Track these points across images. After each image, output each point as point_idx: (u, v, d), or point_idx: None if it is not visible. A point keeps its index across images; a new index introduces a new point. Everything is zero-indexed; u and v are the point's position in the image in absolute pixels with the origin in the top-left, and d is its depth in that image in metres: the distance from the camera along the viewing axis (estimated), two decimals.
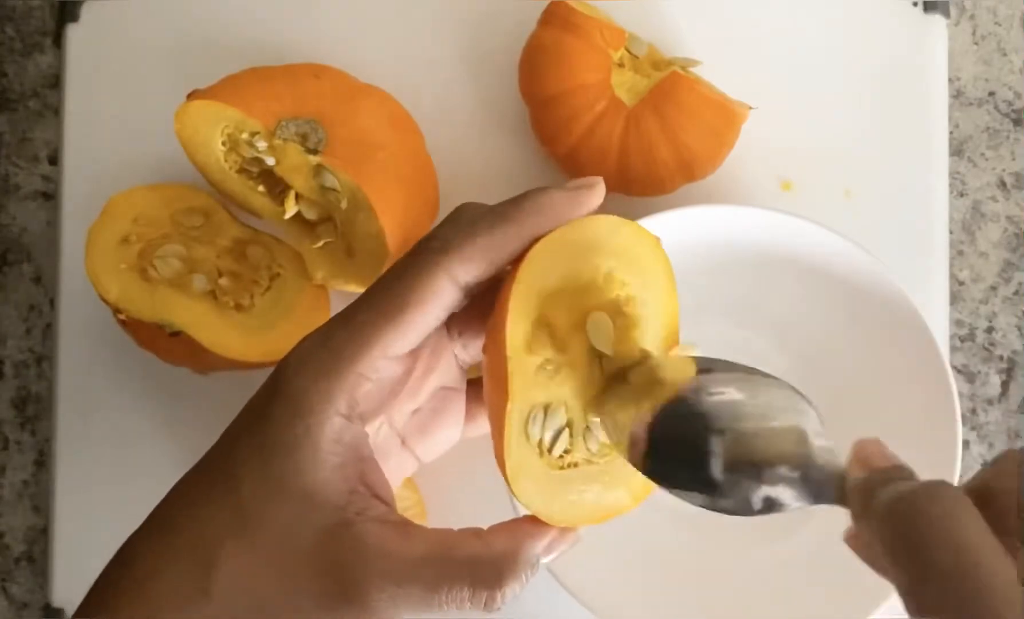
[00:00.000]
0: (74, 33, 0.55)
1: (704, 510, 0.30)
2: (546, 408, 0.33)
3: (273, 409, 0.33)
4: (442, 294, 0.33)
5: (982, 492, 0.27)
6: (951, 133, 0.56)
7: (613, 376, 0.34)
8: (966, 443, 0.55)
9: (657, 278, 0.35)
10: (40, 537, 0.55)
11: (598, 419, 0.34)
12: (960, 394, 0.53)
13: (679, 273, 0.51)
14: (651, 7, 0.54)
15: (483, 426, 0.39)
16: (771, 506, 0.29)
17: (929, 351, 0.47)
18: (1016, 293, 0.56)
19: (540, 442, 0.33)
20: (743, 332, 0.52)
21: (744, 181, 0.54)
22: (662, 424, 0.31)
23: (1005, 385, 0.55)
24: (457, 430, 0.39)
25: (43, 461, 0.56)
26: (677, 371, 0.33)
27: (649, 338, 0.34)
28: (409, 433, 0.38)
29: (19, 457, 0.56)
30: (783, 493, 0.29)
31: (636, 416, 0.31)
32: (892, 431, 0.49)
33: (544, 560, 0.34)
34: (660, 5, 0.54)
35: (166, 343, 0.49)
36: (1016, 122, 0.56)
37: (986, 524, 0.26)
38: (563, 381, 0.33)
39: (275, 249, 0.51)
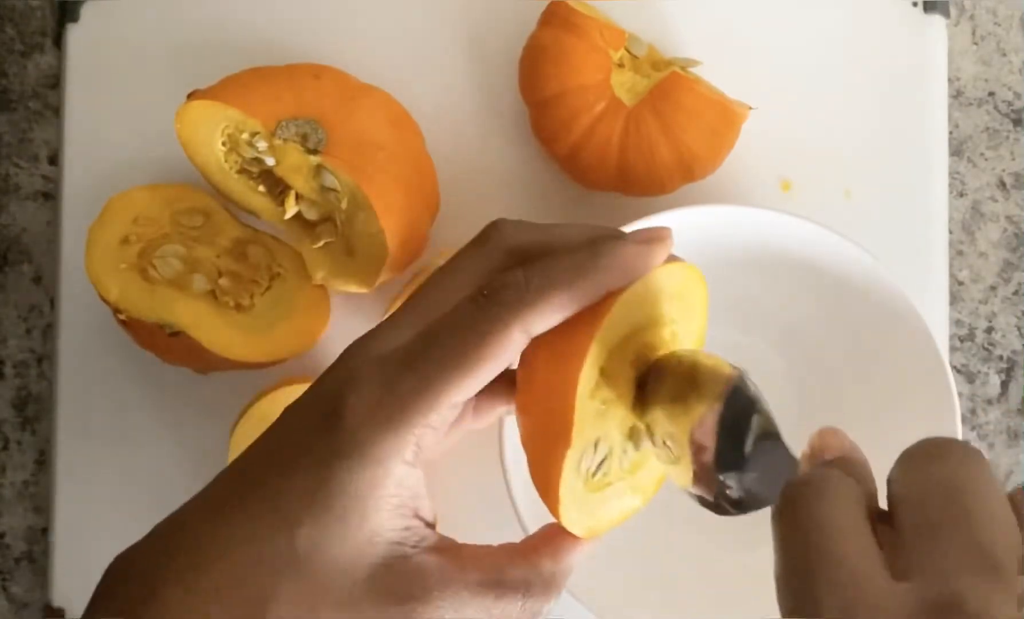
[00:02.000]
0: (74, 33, 0.55)
1: (712, 511, 0.32)
2: (596, 443, 0.34)
3: (333, 454, 0.32)
4: (516, 346, 0.33)
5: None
6: (951, 133, 0.56)
7: (646, 382, 0.35)
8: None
9: (699, 316, 0.37)
10: (40, 537, 0.55)
11: (647, 436, 0.35)
12: (960, 394, 0.53)
13: None
14: (651, 7, 0.54)
15: (488, 419, 0.39)
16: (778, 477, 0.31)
17: (929, 351, 0.47)
18: (1016, 293, 0.56)
19: (586, 472, 0.34)
20: (743, 332, 0.52)
21: (744, 181, 0.54)
22: (728, 416, 0.32)
23: (1005, 385, 0.55)
24: (465, 427, 0.39)
25: (43, 461, 0.56)
26: (714, 362, 0.34)
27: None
28: None
29: (19, 457, 0.56)
30: (791, 459, 0.31)
31: (695, 419, 0.32)
32: (892, 431, 0.49)
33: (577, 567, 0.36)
34: (660, 5, 0.54)
35: (166, 343, 0.49)
36: (1016, 122, 0.56)
37: (858, 508, 0.27)
38: (611, 414, 0.34)
39: (275, 249, 0.51)
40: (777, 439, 0.31)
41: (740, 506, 0.32)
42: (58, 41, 0.56)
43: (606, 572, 0.49)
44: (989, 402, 0.55)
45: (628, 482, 0.36)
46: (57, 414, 0.54)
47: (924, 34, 0.54)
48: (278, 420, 0.35)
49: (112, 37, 0.55)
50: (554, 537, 0.36)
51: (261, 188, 0.50)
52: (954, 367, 0.55)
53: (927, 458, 0.27)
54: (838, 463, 0.29)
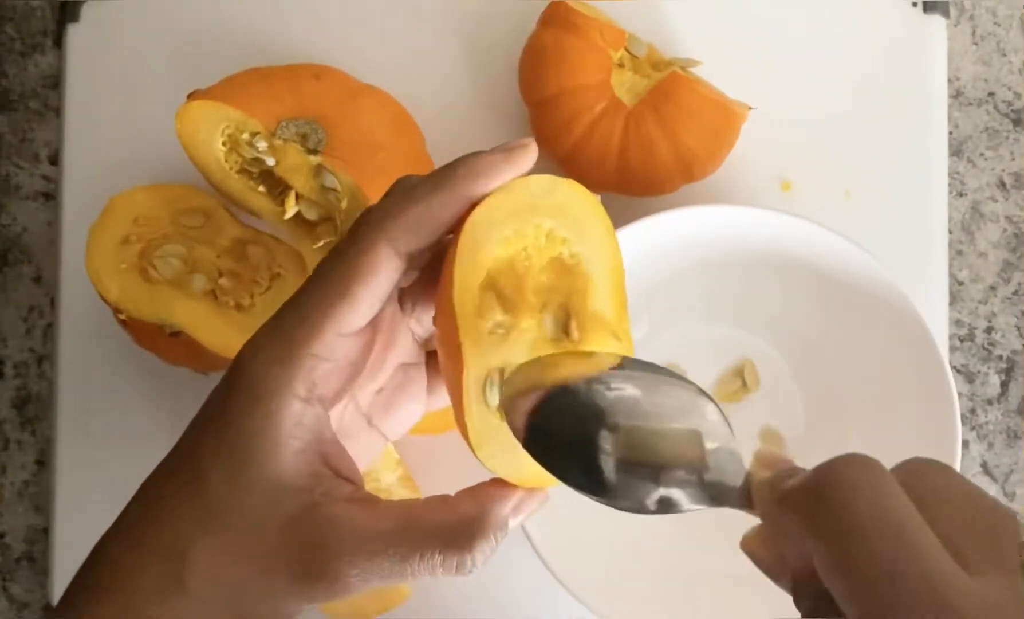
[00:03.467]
0: (74, 33, 0.55)
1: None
2: (502, 371, 0.33)
3: (231, 400, 0.33)
4: (385, 265, 0.34)
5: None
6: (951, 133, 0.56)
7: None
8: (966, 443, 0.55)
9: (598, 233, 0.35)
10: (40, 537, 0.55)
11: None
12: (960, 394, 0.53)
13: (679, 273, 0.51)
14: (651, 7, 0.54)
15: (445, 398, 0.39)
16: (667, 507, 0.30)
17: (928, 351, 0.47)
18: (1015, 293, 0.56)
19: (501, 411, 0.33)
20: (743, 332, 0.52)
21: (744, 181, 0.54)
22: (543, 412, 0.31)
23: (1004, 385, 0.55)
24: (421, 404, 0.39)
25: (43, 461, 0.56)
26: (580, 361, 0.33)
27: (600, 295, 0.34)
28: (374, 412, 0.38)
29: (19, 457, 0.56)
30: (678, 495, 0.30)
31: (522, 399, 0.32)
32: (892, 431, 0.49)
33: (514, 521, 0.34)
34: (660, 5, 0.54)
35: (166, 343, 0.49)
36: (1016, 122, 0.56)
37: (900, 487, 0.26)
38: (516, 342, 0.33)
39: (275, 249, 0.51)
40: (653, 475, 0.30)
41: (616, 506, 0.30)
42: (58, 41, 0.56)
43: (607, 572, 0.49)
44: (989, 402, 0.55)
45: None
46: (57, 414, 0.54)
47: (924, 34, 0.54)
48: None
49: (112, 37, 0.55)
50: (483, 485, 0.35)
51: (261, 188, 0.50)
52: (954, 367, 0.55)
53: (942, 469, 0.27)
54: (797, 470, 0.29)
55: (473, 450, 0.33)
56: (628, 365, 0.33)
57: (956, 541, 0.25)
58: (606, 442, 0.30)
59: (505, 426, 0.33)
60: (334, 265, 0.34)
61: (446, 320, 0.33)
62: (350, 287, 0.33)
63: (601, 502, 0.30)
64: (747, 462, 0.31)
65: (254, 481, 0.32)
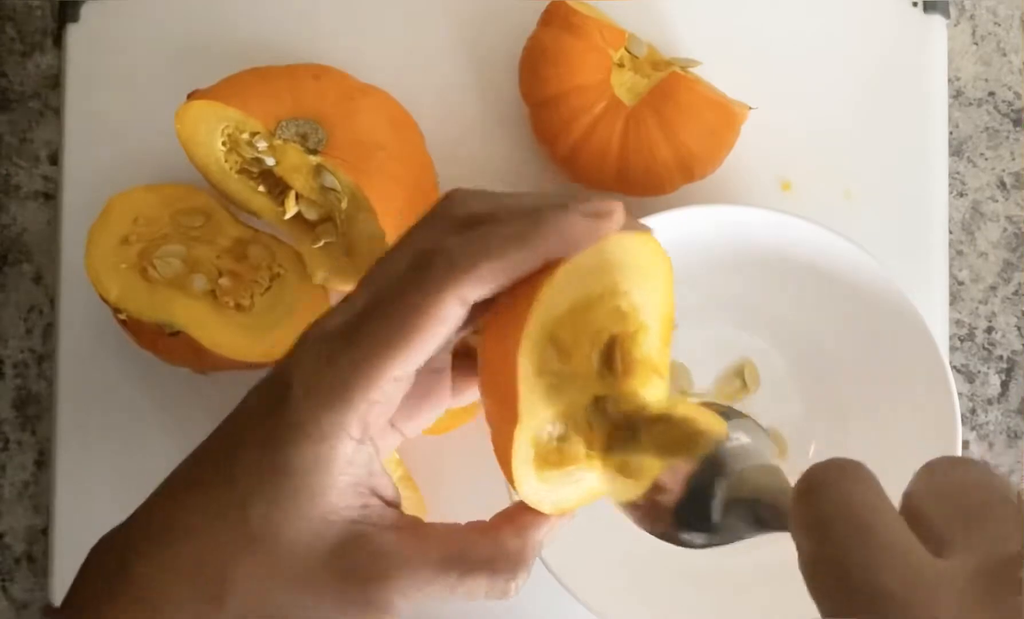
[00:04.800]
0: (74, 33, 0.55)
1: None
2: (553, 418, 0.34)
3: (280, 431, 0.32)
4: (452, 316, 0.32)
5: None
6: (951, 133, 0.56)
7: (621, 424, 0.34)
8: (966, 443, 0.55)
9: (658, 283, 0.35)
10: (40, 537, 0.55)
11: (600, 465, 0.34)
12: (960, 394, 0.53)
13: (679, 273, 0.51)
14: (651, 7, 0.54)
15: (468, 397, 0.39)
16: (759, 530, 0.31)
17: (929, 351, 0.47)
18: (1016, 293, 0.56)
19: (543, 448, 0.34)
20: (743, 332, 0.52)
21: (744, 181, 0.54)
22: (701, 474, 0.32)
23: (1005, 385, 0.55)
24: (444, 405, 0.39)
25: (43, 461, 0.56)
26: (710, 424, 0.33)
27: (651, 341, 0.35)
28: (399, 417, 0.37)
29: (19, 457, 0.56)
30: (769, 521, 0.31)
31: (669, 464, 0.32)
32: (892, 431, 0.49)
33: (548, 544, 0.35)
34: (660, 5, 0.54)
35: (166, 343, 0.49)
36: (1016, 122, 0.56)
37: (883, 490, 0.26)
38: (567, 389, 0.33)
39: (275, 249, 0.51)
40: (756, 502, 0.31)
41: (693, 546, 0.32)
42: (58, 41, 0.56)
43: (607, 572, 0.49)
44: (989, 402, 0.55)
45: (598, 458, 0.35)
46: (57, 414, 0.54)
47: (924, 34, 0.54)
48: (240, 403, 0.35)
49: (112, 37, 0.55)
50: (520, 513, 0.35)
51: (261, 188, 0.50)
52: (954, 367, 0.55)
53: (949, 465, 0.27)
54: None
55: (515, 487, 0.34)
56: (730, 413, 0.34)
57: (938, 529, 0.25)
58: (719, 487, 0.31)
59: (547, 467, 0.34)
60: (397, 305, 0.32)
61: (503, 371, 0.33)
62: (414, 337, 0.32)
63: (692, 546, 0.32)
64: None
65: (302, 514, 0.32)
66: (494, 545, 0.34)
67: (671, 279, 0.35)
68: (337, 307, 0.35)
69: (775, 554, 0.50)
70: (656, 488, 0.32)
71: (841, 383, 0.51)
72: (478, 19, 0.55)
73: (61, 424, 0.54)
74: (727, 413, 0.34)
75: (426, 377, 0.38)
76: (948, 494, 0.26)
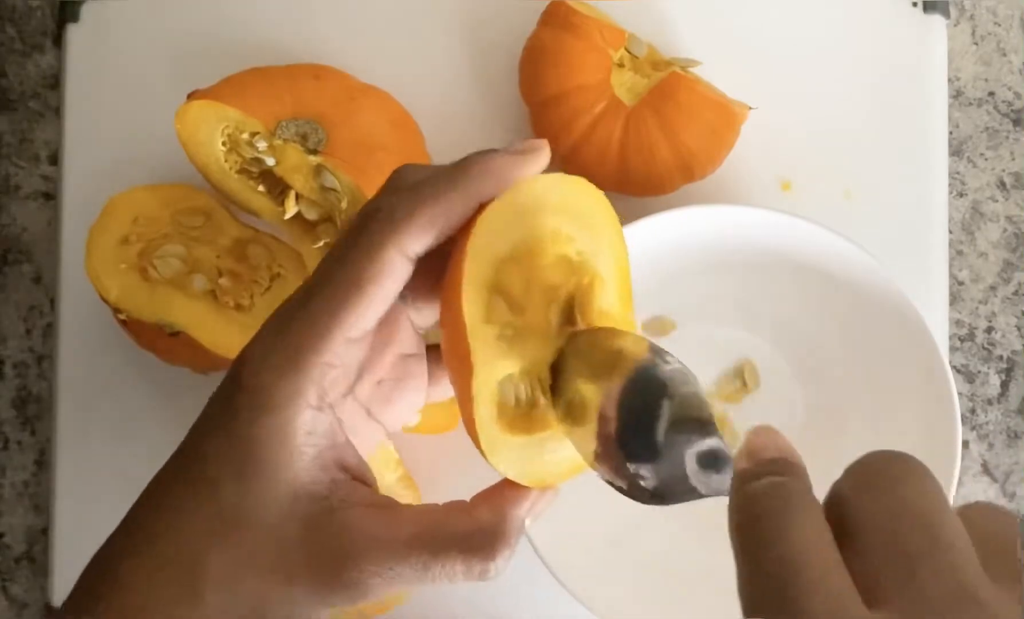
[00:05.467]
0: (74, 33, 0.55)
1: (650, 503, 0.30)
2: (510, 375, 0.33)
3: (240, 409, 0.32)
4: (395, 269, 0.33)
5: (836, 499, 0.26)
6: (951, 133, 0.56)
7: (563, 348, 0.33)
8: (966, 443, 0.55)
9: (604, 228, 0.34)
10: (40, 537, 0.55)
11: (548, 395, 0.33)
12: (960, 394, 0.53)
13: (679, 273, 0.51)
14: (651, 7, 0.54)
15: (446, 390, 0.38)
16: (708, 464, 0.28)
17: (929, 351, 0.47)
18: (1016, 293, 0.56)
19: (508, 409, 0.33)
20: (743, 332, 0.52)
21: (744, 181, 0.54)
22: (630, 394, 0.30)
23: (1005, 385, 0.55)
24: (421, 395, 0.39)
25: (43, 461, 0.56)
26: (634, 343, 0.32)
27: (608, 291, 0.34)
28: (374, 404, 0.37)
29: (19, 457, 0.56)
30: (719, 449, 0.28)
31: (603, 391, 0.31)
32: (892, 431, 0.49)
33: (529, 521, 0.34)
34: (660, 5, 0.54)
35: (166, 343, 0.49)
36: (1016, 122, 0.56)
37: (824, 529, 0.25)
38: (523, 344, 0.33)
39: (275, 249, 0.51)
40: (702, 427, 0.28)
41: (659, 497, 0.29)
42: (58, 41, 0.56)
43: (607, 572, 0.49)
44: (989, 402, 0.55)
45: (577, 427, 0.33)
46: (57, 414, 0.54)
47: (924, 34, 0.54)
48: (210, 397, 0.35)
49: (112, 37, 0.55)
50: (498, 490, 0.34)
51: (261, 188, 0.50)
52: (954, 367, 0.55)
53: (892, 481, 0.26)
54: (780, 465, 0.27)
55: (484, 455, 0.33)
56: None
57: (874, 573, 0.24)
58: (664, 408, 0.29)
59: (515, 429, 0.33)
60: (340, 267, 0.33)
61: (453, 326, 0.33)
62: (359, 293, 0.32)
63: (643, 481, 0.29)
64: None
65: (269, 490, 0.32)
66: (468, 520, 0.33)
67: (618, 226, 0.35)
68: (295, 291, 0.35)
69: None
70: (601, 419, 0.31)
71: (841, 383, 0.51)
72: (478, 19, 0.55)
73: (61, 424, 0.54)
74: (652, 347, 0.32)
75: (399, 361, 0.38)
76: (891, 525, 0.25)
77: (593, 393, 0.31)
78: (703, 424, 0.28)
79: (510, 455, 0.33)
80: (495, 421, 0.33)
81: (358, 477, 0.34)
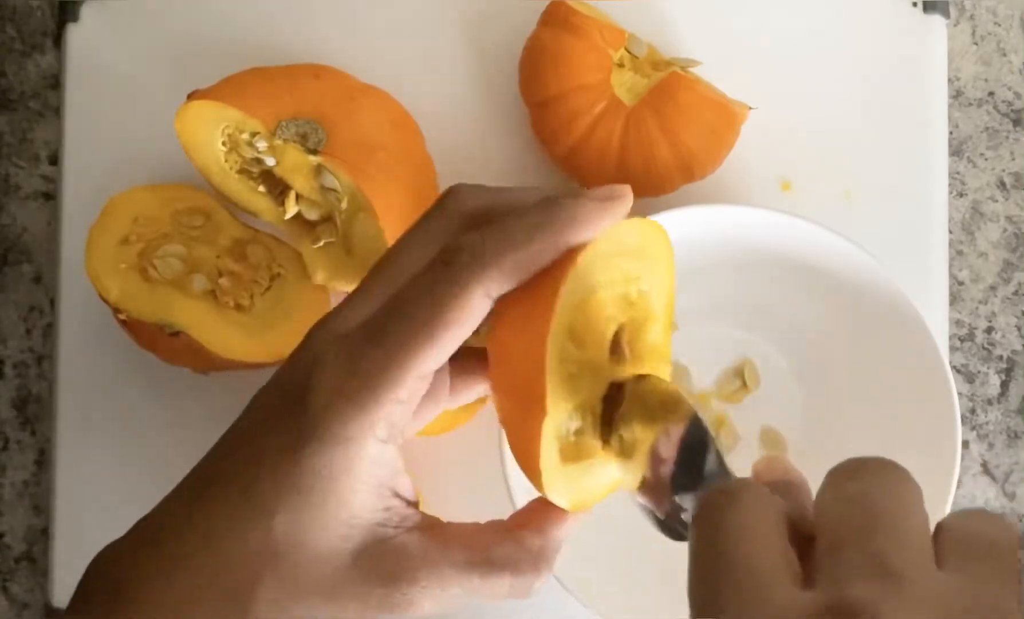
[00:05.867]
0: (74, 33, 0.55)
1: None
2: (571, 410, 0.34)
3: (305, 435, 0.32)
4: (477, 311, 0.32)
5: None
6: (951, 133, 0.56)
7: (616, 391, 0.34)
8: (966, 443, 0.55)
9: (663, 269, 0.35)
10: (40, 537, 0.55)
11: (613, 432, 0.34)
12: (960, 394, 0.53)
13: (679, 273, 0.51)
14: (651, 7, 0.54)
15: (465, 398, 0.38)
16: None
17: (929, 351, 0.47)
18: (1016, 293, 0.56)
19: (564, 442, 0.34)
20: (743, 332, 0.52)
21: (744, 181, 0.54)
22: (687, 439, 0.32)
23: (1005, 385, 0.55)
24: (442, 405, 0.39)
25: (43, 461, 0.56)
26: (675, 389, 0.34)
27: (658, 327, 0.35)
28: None
29: (19, 457, 0.56)
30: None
31: (660, 430, 0.32)
32: (892, 431, 0.49)
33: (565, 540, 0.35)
34: (660, 5, 0.54)
35: (166, 343, 0.49)
36: (1016, 122, 0.56)
37: (769, 525, 0.26)
38: (583, 379, 0.33)
39: (275, 249, 0.51)
40: (728, 475, 0.31)
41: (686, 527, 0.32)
42: (58, 41, 0.56)
43: (607, 572, 0.49)
44: (989, 402, 0.55)
45: (608, 453, 0.35)
46: (57, 414, 0.54)
47: (924, 34, 0.54)
48: (247, 407, 0.34)
49: (112, 37, 0.55)
50: (540, 511, 0.35)
51: (261, 188, 0.50)
52: (954, 367, 0.55)
53: (845, 476, 0.27)
54: (772, 484, 0.29)
55: (544, 490, 0.33)
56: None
57: (817, 555, 0.25)
58: (712, 453, 0.32)
59: (568, 461, 0.33)
60: (423, 305, 0.32)
61: (526, 363, 0.33)
62: (440, 334, 0.32)
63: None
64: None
65: (328, 522, 0.32)
66: (517, 545, 0.34)
67: (671, 259, 0.36)
68: (350, 304, 0.34)
69: None
70: (655, 460, 0.32)
71: (841, 383, 0.51)
72: (478, 19, 0.55)
73: (61, 424, 0.54)
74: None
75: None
76: (836, 514, 0.26)
77: (647, 432, 0.32)
78: (728, 474, 0.32)
79: (563, 485, 0.34)
80: (559, 459, 0.33)
81: (408, 501, 0.34)
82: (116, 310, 0.49)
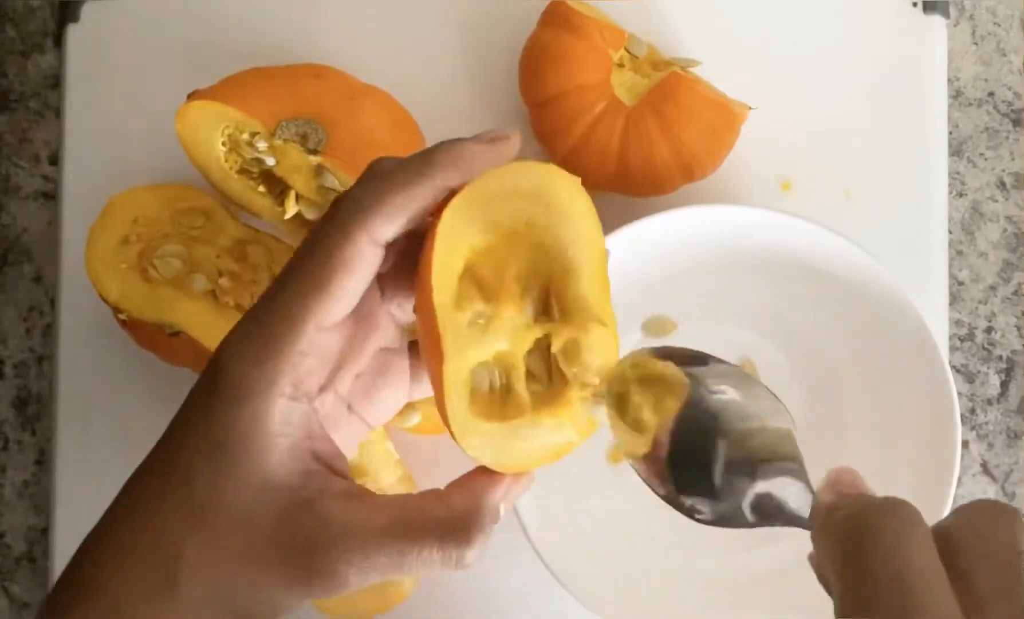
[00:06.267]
0: (74, 33, 0.55)
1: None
2: (485, 362, 0.33)
3: (215, 400, 0.33)
4: (364, 255, 0.33)
5: (942, 533, 0.27)
6: (951, 133, 0.56)
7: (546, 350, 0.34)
8: (965, 443, 0.55)
9: (579, 217, 0.34)
10: (40, 537, 0.55)
11: (606, 413, 0.34)
12: (960, 394, 0.53)
13: (679, 273, 0.51)
14: (651, 7, 0.54)
15: (429, 387, 0.38)
16: (762, 506, 0.31)
17: (929, 351, 0.47)
18: (1015, 293, 0.56)
19: (481, 396, 0.33)
20: (743, 332, 0.52)
21: (744, 181, 0.54)
22: (681, 427, 0.32)
23: (1004, 385, 0.56)
24: (403, 392, 0.39)
25: (43, 461, 0.56)
26: (667, 368, 0.33)
27: (583, 280, 0.34)
28: (354, 398, 0.37)
29: (19, 457, 0.56)
30: (782, 490, 0.30)
31: (658, 419, 0.32)
32: (891, 431, 0.49)
33: (505, 507, 0.34)
34: (660, 5, 0.54)
35: (166, 343, 0.49)
36: (1016, 122, 0.56)
37: (935, 549, 0.26)
38: (496, 332, 0.33)
39: (275, 249, 0.51)
40: (756, 469, 0.31)
41: (710, 524, 0.32)
42: (58, 41, 0.56)
43: (607, 572, 0.49)
44: (989, 402, 0.55)
45: (552, 413, 0.34)
46: (57, 414, 0.54)
47: (924, 34, 0.54)
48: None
49: (112, 37, 0.55)
50: (473, 476, 0.34)
51: (261, 188, 0.50)
52: (954, 367, 0.55)
53: (996, 522, 0.27)
54: (861, 500, 0.29)
55: (457, 441, 0.33)
56: (711, 362, 0.33)
57: (981, 598, 0.25)
58: (720, 448, 0.31)
59: (487, 414, 0.33)
60: (311, 257, 0.33)
61: (425, 312, 0.33)
62: (330, 280, 0.33)
63: (698, 513, 0.31)
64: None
65: (244, 480, 0.32)
66: (443, 507, 0.33)
67: (593, 212, 0.34)
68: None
69: (774, 556, 0.50)
70: (656, 443, 0.32)
71: (841, 383, 0.51)
72: (478, 19, 0.55)
73: (61, 424, 0.54)
74: (703, 358, 0.33)
75: (380, 356, 0.38)
76: (1005, 559, 0.26)
77: (647, 408, 0.33)
78: (762, 464, 0.31)
79: (482, 441, 0.33)
80: (467, 407, 0.33)
81: (334, 469, 0.34)
82: (116, 310, 0.49)
